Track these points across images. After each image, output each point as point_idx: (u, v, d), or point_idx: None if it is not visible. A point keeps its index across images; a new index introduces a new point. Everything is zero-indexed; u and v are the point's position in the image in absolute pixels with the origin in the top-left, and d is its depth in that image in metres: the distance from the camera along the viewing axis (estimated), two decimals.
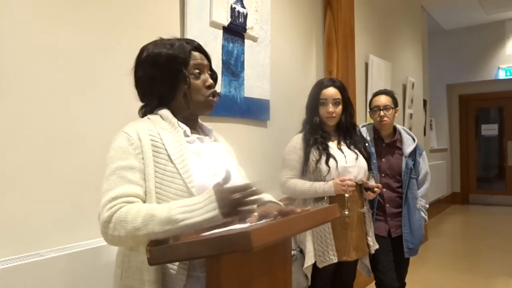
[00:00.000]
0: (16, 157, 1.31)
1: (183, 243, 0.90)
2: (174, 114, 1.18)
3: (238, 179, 1.23)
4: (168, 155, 1.07)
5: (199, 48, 1.21)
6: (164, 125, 1.14)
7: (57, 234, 1.39)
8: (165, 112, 1.17)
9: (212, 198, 0.95)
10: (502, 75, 7.16)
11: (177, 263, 1.02)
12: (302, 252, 2.01)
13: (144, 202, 1.03)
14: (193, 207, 0.95)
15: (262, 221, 1.02)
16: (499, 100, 7.76)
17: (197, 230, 0.96)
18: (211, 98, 1.19)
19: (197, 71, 1.18)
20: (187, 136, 1.16)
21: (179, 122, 1.16)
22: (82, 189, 1.45)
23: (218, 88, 2.04)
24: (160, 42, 1.19)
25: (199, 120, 1.28)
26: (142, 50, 1.20)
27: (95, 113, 1.52)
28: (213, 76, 1.26)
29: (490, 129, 7.95)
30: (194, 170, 1.08)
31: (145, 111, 1.22)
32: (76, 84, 1.47)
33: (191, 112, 1.20)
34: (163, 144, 1.09)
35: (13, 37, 1.31)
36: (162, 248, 0.92)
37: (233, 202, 0.95)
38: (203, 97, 1.18)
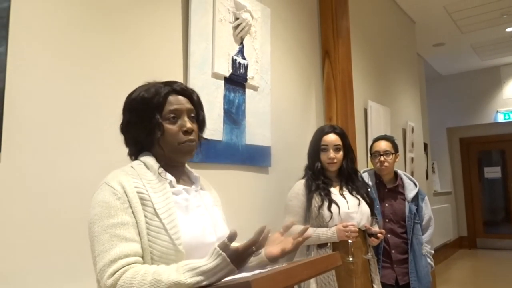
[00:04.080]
0: (16, 208, 1.32)
1: None
2: (158, 160, 1.11)
3: (225, 231, 1.17)
4: (154, 209, 1.01)
5: (179, 91, 1.14)
6: (149, 175, 1.07)
7: (58, 284, 1.38)
8: (149, 160, 1.11)
9: (222, 256, 0.88)
10: (501, 118, 7.26)
11: None
12: None
13: (142, 258, 0.98)
14: (202, 269, 0.88)
15: (264, 270, 1.02)
16: (500, 143, 7.80)
17: None
18: (185, 144, 1.11)
19: (173, 115, 1.10)
20: (173, 187, 1.10)
21: (164, 171, 1.10)
22: (82, 240, 1.45)
23: (220, 135, 2.08)
24: (142, 87, 1.15)
25: (187, 166, 1.21)
26: (127, 95, 1.16)
27: (98, 165, 1.54)
28: (199, 118, 1.18)
29: (493, 172, 7.92)
30: (182, 225, 1.03)
31: (133, 157, 1.18)
32: (80, 133, 1.51)
33: (170, 159, 1.13)
34: (149, 196, 1.03)
35: (20, 89, 1.36)
36: None
37: (243, 256, 0.92)
38: (177, 143, 1.10)
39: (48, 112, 1.42)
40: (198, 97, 1.19)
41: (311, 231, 1.97)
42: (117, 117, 1.62)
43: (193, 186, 1.17)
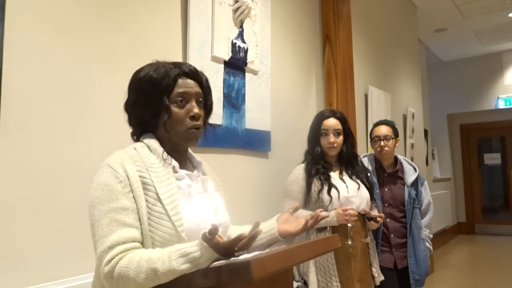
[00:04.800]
0: (17, 190, 1.32)
1: (182, 275, 0.90)
2: (161, 143, 1.09)
3: (226, 217, 1.18)
4: (157, 194, 1.00)
5: (189, 74, 1.10)
6: (152, 158, 1.05)
7: (57, 267, 1.39)
8: (152, 143, 1.08)
9: (205, 246, 0.87)
10: (502, 104, 7.23)
11: None
12: (306, 283, 1.98)
13: (142, 244, 0.98)
14: (193, 256, 0.88)
15: (264, 251, 1.02)
16: (500, 129, 7.79)
17: None
18: (191, 130, 1.08)
19: (181, 99, 1.07)
20: (176, 172, 1.08)
21: (168, 155, 1.08)
22: (83, 222, 1.45)
23: (219, 120, 2.07)
24: (150, 66, 1.11)
25: (190, 151, 1.20)
26: (134, 73, 1.13)
27: (96, 147, 1.54)
28: (207, 103, 1.15)
29: (493, 158, 7.93)
30: (184, 212, 1.02)
31: (135, 138, 1.15)
32: (78, 118, 1.50)
33: (175, 143, 1.11)
34: (152, 181, 1.01)
35: (17, 70, 1.35)
36: None
37: (227, 249, 0.88)
38: (183, 128, 1.08)
39: (45, 93, 1.41)
40: (207, 81, 1.16)
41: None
42: (115, 99, 1.61)
43: (195, 172, 1.15)
